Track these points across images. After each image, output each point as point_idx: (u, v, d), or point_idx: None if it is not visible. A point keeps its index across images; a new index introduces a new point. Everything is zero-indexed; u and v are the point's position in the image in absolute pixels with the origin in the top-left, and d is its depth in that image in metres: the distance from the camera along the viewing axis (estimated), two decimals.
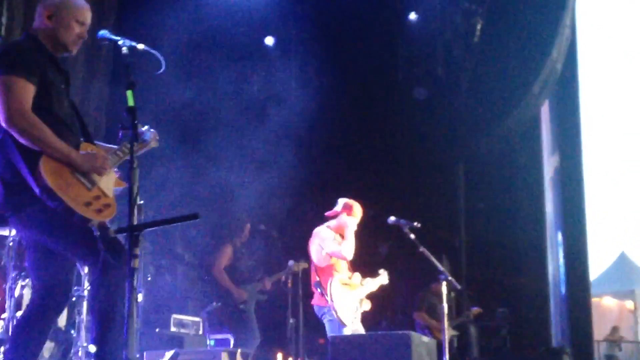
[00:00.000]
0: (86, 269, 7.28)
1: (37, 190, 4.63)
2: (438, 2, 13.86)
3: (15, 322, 5.02)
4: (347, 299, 8.77)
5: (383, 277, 9.32)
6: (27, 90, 4.76)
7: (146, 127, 5.29)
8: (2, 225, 7.53)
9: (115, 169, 5.14)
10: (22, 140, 4.68)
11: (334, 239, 8.89)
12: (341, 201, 9.13)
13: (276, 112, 14.61)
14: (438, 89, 14.34)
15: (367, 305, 9.03)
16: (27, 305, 5.03)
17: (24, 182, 4.70)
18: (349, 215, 9.01)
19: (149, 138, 5.30)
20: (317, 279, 8.83)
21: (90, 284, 4.89)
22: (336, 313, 8.59)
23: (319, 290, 8.76)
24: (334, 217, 9.07)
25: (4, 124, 4.70)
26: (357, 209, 9.07)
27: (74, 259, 5.01)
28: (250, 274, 10.40)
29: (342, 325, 8.61)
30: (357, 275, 9.05)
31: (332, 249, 8.81)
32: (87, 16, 5.14)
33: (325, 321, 8.82)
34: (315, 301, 8.91)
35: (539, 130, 15.69)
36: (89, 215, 4.70)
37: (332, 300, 8.62)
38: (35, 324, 4.94)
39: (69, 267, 5.09)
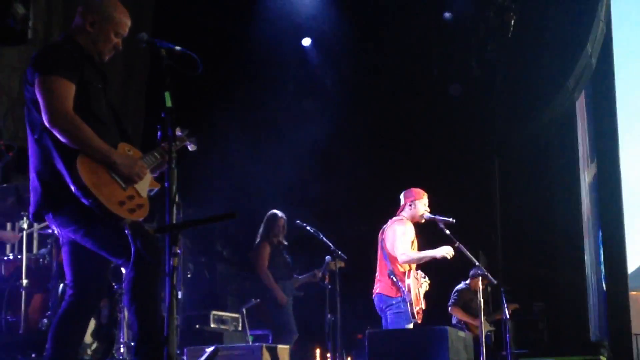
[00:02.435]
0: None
1: (73, 188, 4.71)
2: None
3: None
4: (418, 293, 8.81)
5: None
6: (69, 90, 4.83)
7: (186, 132, 5.39)
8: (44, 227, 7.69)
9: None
10: (63, 140, 4.76)
11: (406, 233, 8.93)
12: (402, 195, 9.21)
13: (312, 109, 14.70)
14: (473, 84, 14.32)
15: (423, 304, 9.06)
16: (64, 302, 5.08)
17: (61, 180, 4.79)
18: (414, 200, 9.07)
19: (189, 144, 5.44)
20: (390, 267, 8.85)
21: (125, 283, 4.97)
22: (411, 306, 8.61)
23: (393, 278, 8.78)
24: (403, 210, 9.15)
25: (46, 124, 4.77)
26: (418, 192, 9.13)
27: (107, 256, 5.06)
28: (287, 270, 10.43)
29: (411, 318, 8.64)
30: (420, 272, 9.09)
31: (399, 247, 8.87)
32: (127, 29, 5.23)
33: (389, 313, 8.83)
34: (383, 290, 8.88)
35: (575, 124, 15.63)
36: (122, 214, 4.79)
37: (409, 292, 8.65)
38: (72, 320, 5.03)
39: (102, 265, 5.17)
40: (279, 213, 10.54)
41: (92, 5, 5.20)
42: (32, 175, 4.99)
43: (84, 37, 5.14)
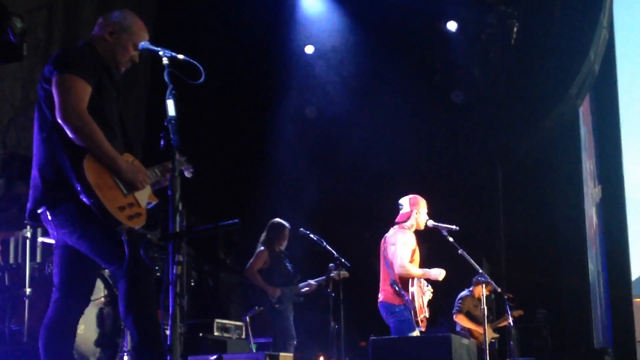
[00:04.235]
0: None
1: (77, 186, 4.74)
2: (474, 7, 13.85)
3: (42, 325, 5.10)
4: (422, 302, 8.80)
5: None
6: (85, 91, 4.89)
7: (184, 157, 5.39)
8: (47, 234, 7.69)
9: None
10: (73, 138, 4.80)
11: (407, 243, 8.92)
12: (404, 201, 9.19)
13: (314, 116, 14.73)
14: (475, 91, 14.33)
15: (427, 312, 9.05)
16: (49, 308, 5.10)
17: (64, 179, 4.83)
18: (419, 209, 9.06)
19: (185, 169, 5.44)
20: (393, 276, 8.85)
21: (120, 292, 4.96)
22: (415, 314, 8.61)
23: (395, 287, 8.77)
24: (408, 218, 9.13)
25: (59, 120, 4.81)
26: (418, 199, 9.12)
27: (99, 262, 5.09)
28: (288, 277, 10.38)
29: (415, 326, 8.63)
30: (424, 280, 9.09)
31: (398, 258, 8.86)
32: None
33: (392, 321, 8.83)
34: (386, 298, 8.88)
35: (578, 131, 15.63)
36: (121, 219, 4.82)
37: (413, 300, 8.65)
38: (59, 323, 5.04)
39: (92, 270, 5.22)
40: (284, 222, 10.51)
41: (112, 16, 5.31)
42: (35, 172, 5.02)
43: (103, 46, 5.24)
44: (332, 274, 9.81)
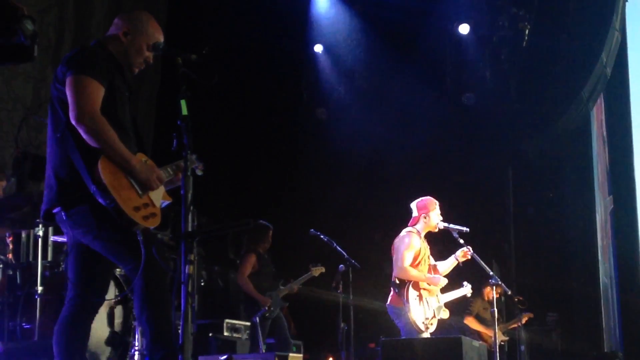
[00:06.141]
0: None
1: (92, 187, 4.76)
2: (485, 9, 13.83)
3: (56, 322, 5.11)
4: (424, 305, 8.77)
5: (466, 289, 9.33)
6: (98, 92, 4.91)
7: (195, 156, 5.37)
8: (59, 233, 7.70)
9: None
10: (87, 139, 4.81)
11: (411, 247, 8.90)
12: (413, 205, 9.16)
13: (325, 118, 14.72)
14: (487, 94, 14.30)
15: (445, 314, 9.02)
16: (64, 307, 5.12)
17: (79, 180, 4.84)
18: (427, 213, 9.05)
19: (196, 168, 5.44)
20: (393, 278, 8.87)
21: (135, 291, 4.96)
22: (411, 318, 8.60)
23: (396, 290, 8.78)
24: (416, 222, 9.12)
25: (72, 121, 4.82)
26: (430, 203, 9.08)
27: (115, 261, 5.12)
28: (274, 280, 10.33)
29: (416, 331, 8.62)
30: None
31: (399, 262, 8.86)
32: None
33: (399, 323, 8.83)
34: (392, 301, 8.88)
35: (589, 134, 15.57)
36: (136, 219, 4.83)
37: (408, 303, 8.64)
38: (74, 322, 5.07)
39: (108, 269, 5.26)
40: (267, 223, 10.45)
41: (127, 17, 5.34)
42: (49, 172, 5.04)
43: (117, 46, 5.26)
44: (310, 272, 9.89)
